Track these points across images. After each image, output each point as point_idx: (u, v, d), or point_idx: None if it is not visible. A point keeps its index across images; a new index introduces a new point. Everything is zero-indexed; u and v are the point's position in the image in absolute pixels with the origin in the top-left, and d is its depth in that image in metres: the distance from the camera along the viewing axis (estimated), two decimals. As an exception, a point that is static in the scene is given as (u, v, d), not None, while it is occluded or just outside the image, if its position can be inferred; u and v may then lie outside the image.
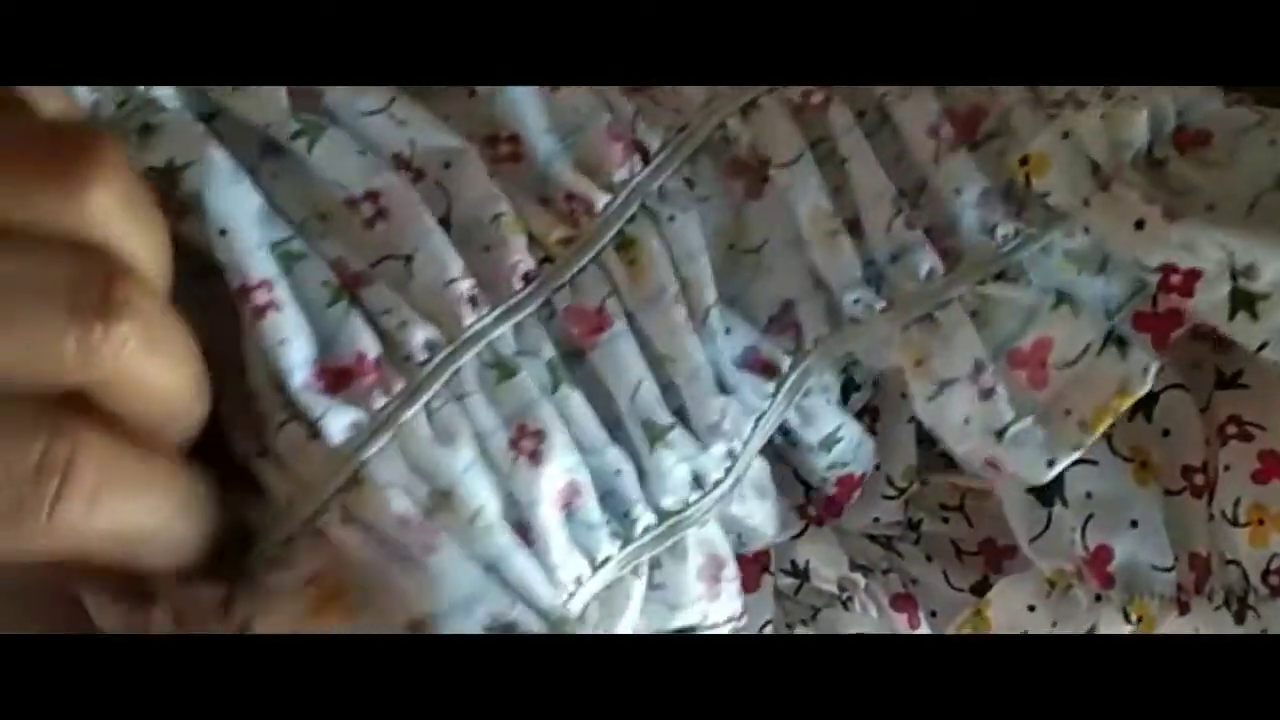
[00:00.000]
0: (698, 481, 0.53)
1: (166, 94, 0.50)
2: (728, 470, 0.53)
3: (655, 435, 0.51)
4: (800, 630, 0.64)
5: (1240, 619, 0.57)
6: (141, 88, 0.50)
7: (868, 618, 0.64)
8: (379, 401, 0.49)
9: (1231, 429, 0.56)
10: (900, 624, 0.64)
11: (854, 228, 0.53)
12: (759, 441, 0.54)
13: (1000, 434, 0.52)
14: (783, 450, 0.58)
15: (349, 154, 0.51)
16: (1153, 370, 0.52)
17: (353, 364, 0.49)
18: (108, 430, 0.40)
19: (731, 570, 0.56)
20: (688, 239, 0.53)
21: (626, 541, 0.52)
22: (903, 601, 0.64)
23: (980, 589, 0.62)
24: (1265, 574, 0.56)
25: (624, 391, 0.52)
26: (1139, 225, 0.51)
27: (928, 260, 0.52)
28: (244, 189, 0.49)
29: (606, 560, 0.52)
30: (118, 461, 0.40)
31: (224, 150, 0.49)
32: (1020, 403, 0.52)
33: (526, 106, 0.52)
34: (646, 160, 0.53)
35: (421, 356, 0.49)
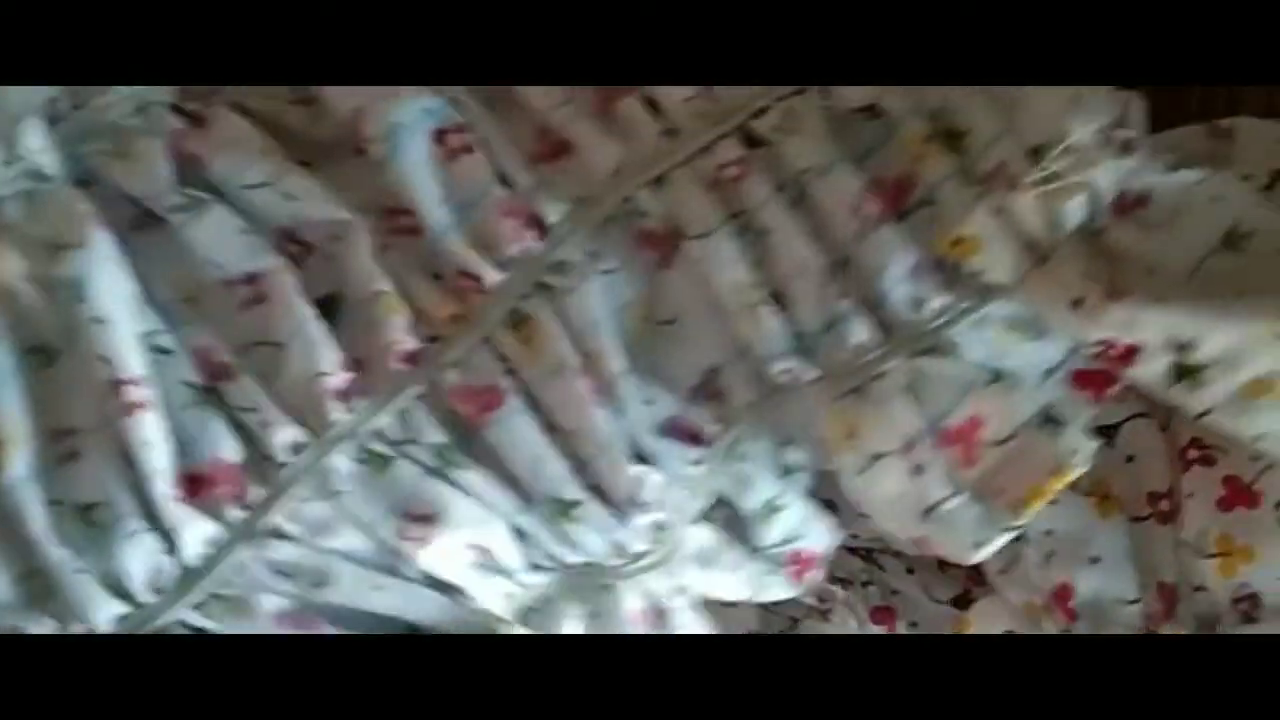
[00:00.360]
0: (619, 551, 0.52)
1: (49, 161, 0.50)
2: (656, 542, 0.52)
3: (559, 511, 0.51)
4: (781, 642, 0.65)
5: (1210, 645, 0.57)
6: (26, 151, 0.49)
7: (847, 629, 0.64)
8: (236, 512, 0.49)
9: (1194, 453, 0.56)
10: (879, 636, 0.65)
11: (777, 299, 0.52)
12: (693, 510, 0.53)
13: (929, 511, 0.51)
14: (730, 523, 0.56)
15: (231, 232, 0.50)
16: (1086, 453, 0.51)
17: (211, 471, 0.49)
18: None
19: (681, 619, 0.55)
20: (589, 310, 0.51)
21: (554, 571, 0.52)
22: (882, 614, 0.64)
23: (961, 602, 0.63)
24: (1235, 601, 0.56)
25: (523, 469, 0.51)
26: (1077, 303, 0.49)
27: (861, 330, 0.51)
28: (122, 274, 0.49)
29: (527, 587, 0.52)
30: None
31: (106, 230, 0.49)
32: (951, 480, 0.51)
33: (421, 177, 0.51)
34: (543, 235, 0.52)
35: (284, 458, 0.49)
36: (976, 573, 0.62)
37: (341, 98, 0.51)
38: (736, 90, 0.52)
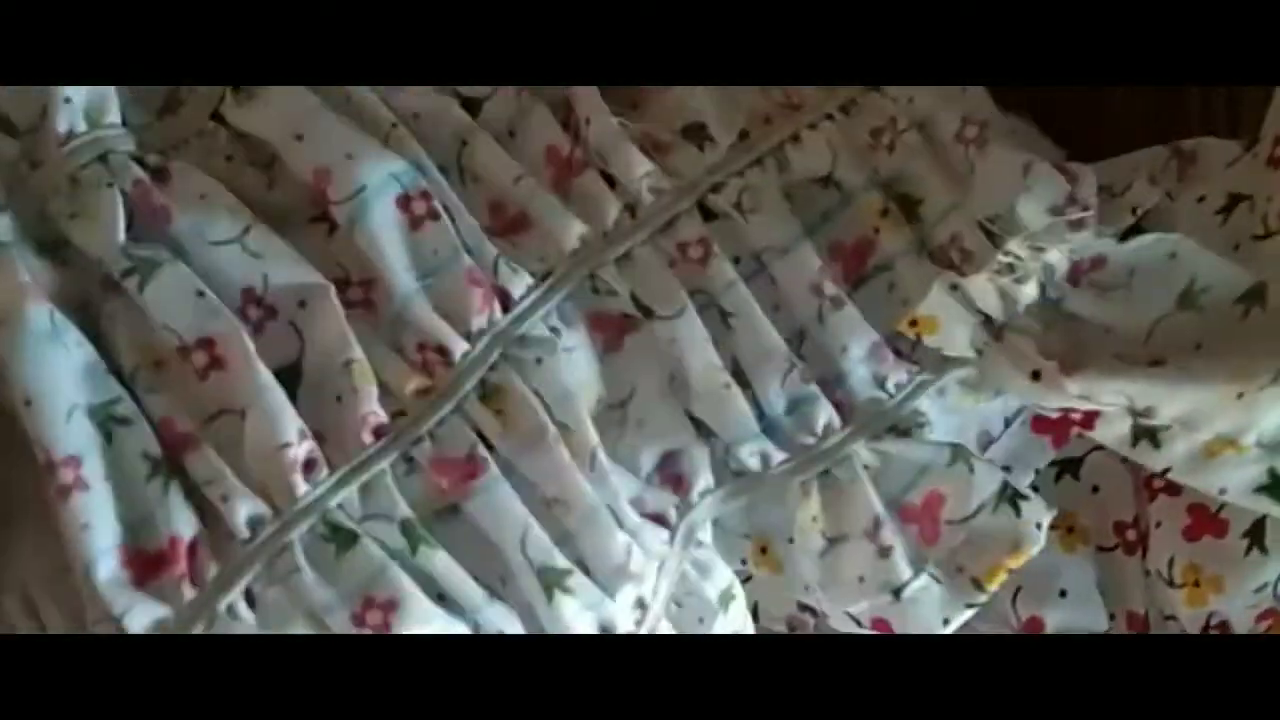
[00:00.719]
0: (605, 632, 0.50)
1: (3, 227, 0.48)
2: (637, 623, 0.50)
3: (552, 581, 0.48)
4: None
5: (1180, 674, 0.57)
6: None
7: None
8: (189, 593, 0.46)
9: (1159, 482, 0.56)
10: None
11: (741, 382, 0.52)
12: (665, 591, 0.52)
13: (897, 592, 0.52)
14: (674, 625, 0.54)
15: (185, 295, 0.48)
16: (1045, 525, 0.51)
17: (164, 549, 0.46)
18: None
19: None
20: (559, 381, 0.50)
21: None
22: (854, 639, 0.64)
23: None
24: (1204, 629, 0.56)
25: (510, 539, 0.49)
26: (1036, 375, 0.49)
27: (824, 413, 0.51)
28: (61, 348, 0.47)
29: None
30: None
31: (41, 303, 0.46)
32: (916, 559, 0.52)
33: (389, 242, 0.50)
34: (507, 308, 0.51)
35: (244, 534, 0.47)
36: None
37: (303, 159, 0.50)
38: (693, 164, 0.52)
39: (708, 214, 0.52)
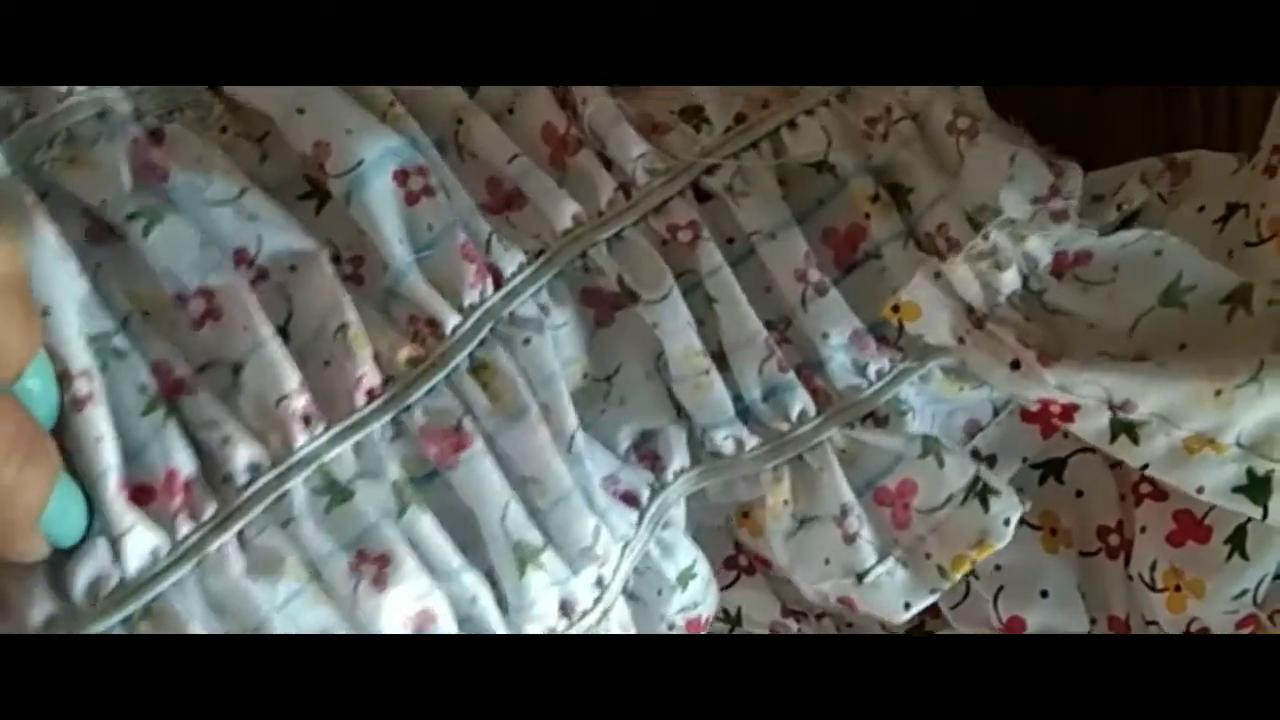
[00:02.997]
0: (565, 610, 0.50)
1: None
2: (596, 600, 0.51)
3: (527, 556, 0.49)
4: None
5: (1160, 679, 0.57)
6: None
7: (805, 658, 0.65)
8: (184, 527, 0.46)
9: (1145, 487, 0.56)
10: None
11: (719, 360, 0.52)
12: (626, 570, 0.53)
13: (861, 576, 0.52)
14: (634, 592, 0.55)
15: (188, 245, 0.48)
16: (1014, 522, 0.52)
17: (159, 483, 0.46)
18: None
19: None
20: (544, 363, 0.51)
21: None
22: (838, 643, 0.65)
23: (916, 633, 0.63)
24: (1185, 635, 0.56)
25: (491, 512, 0.49)
26: (1015, 365, 0.50)
27: (799, 400, 0.52)
28: (71, 271, 0.46)
29: None
30: None
31: (54, 226, 0.46)
32: (882, 542, 0.52)
33: (385, 215, 0.50)
34: (499, 284, 0.51)
35: (242, 479, 0.47)
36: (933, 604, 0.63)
37: (303, 132, 0.50)
38: (689, 146, 0.53)
39: (701, 196, 0.53)
